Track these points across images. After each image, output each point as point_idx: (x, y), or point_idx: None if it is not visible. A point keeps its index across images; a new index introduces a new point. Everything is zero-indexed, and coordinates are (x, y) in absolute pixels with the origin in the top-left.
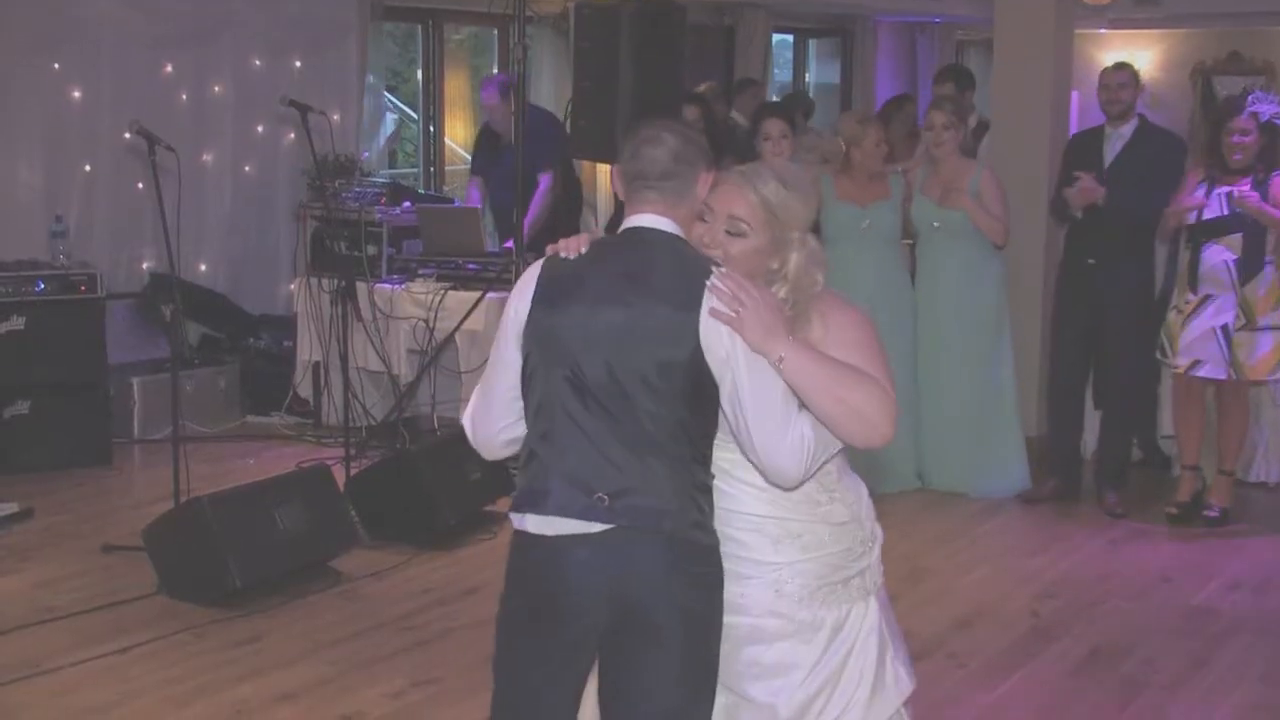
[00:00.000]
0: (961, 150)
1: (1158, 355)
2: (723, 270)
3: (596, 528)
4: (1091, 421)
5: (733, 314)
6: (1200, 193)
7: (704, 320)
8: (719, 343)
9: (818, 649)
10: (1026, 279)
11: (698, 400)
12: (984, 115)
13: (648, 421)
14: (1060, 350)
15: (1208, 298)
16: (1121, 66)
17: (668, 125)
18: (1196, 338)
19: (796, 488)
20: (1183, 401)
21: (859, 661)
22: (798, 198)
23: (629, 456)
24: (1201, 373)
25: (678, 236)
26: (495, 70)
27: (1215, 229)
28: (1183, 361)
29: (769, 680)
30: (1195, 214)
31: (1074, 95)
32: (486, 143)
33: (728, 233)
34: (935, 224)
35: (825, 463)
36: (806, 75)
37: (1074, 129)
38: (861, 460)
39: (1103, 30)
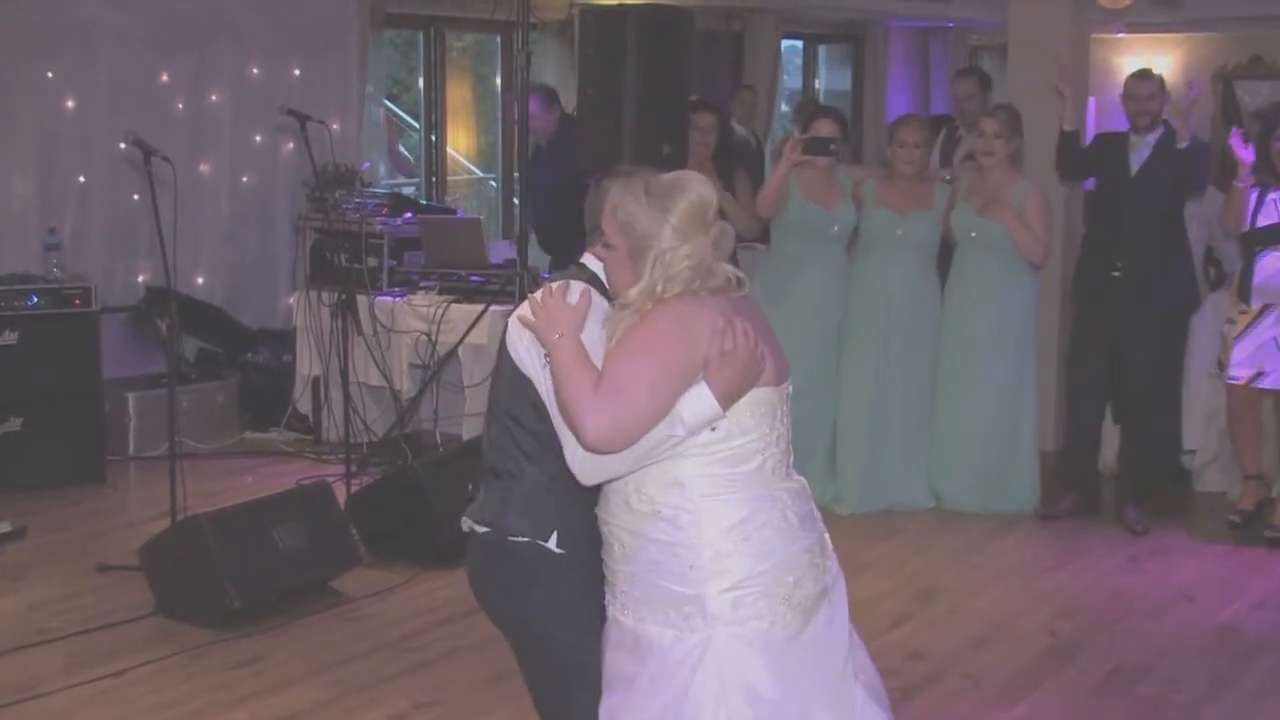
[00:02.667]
0: (1010, 159)
1: (1213, 371)
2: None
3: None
4: (1110, 435)
5: (531, 318)
6: (1253, 199)
7: (509, 335)
8: (522, 351)
9: (645, 670)
10: (1041, 289)
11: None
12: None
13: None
14: (1079, 363)
15: (1267, 307)
16: (1149, 76)
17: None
18: (1257, 348)
19: (599, 486)
20: (1240, 414)
21: (689, 702)
22: (653, 210)
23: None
24: (1265, 384)
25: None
26: (498, 78)
27: (1271, 236)
28: (1243, 373)
29: (606, 694)
30: (1249, 221)
31: (1090, 101)
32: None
33: (602, 245)
34: (973, 234)
35: (655, 463)
36: (816, 81)
37: (1090, 136)
38: (873, 475)
39: (1120, 34)
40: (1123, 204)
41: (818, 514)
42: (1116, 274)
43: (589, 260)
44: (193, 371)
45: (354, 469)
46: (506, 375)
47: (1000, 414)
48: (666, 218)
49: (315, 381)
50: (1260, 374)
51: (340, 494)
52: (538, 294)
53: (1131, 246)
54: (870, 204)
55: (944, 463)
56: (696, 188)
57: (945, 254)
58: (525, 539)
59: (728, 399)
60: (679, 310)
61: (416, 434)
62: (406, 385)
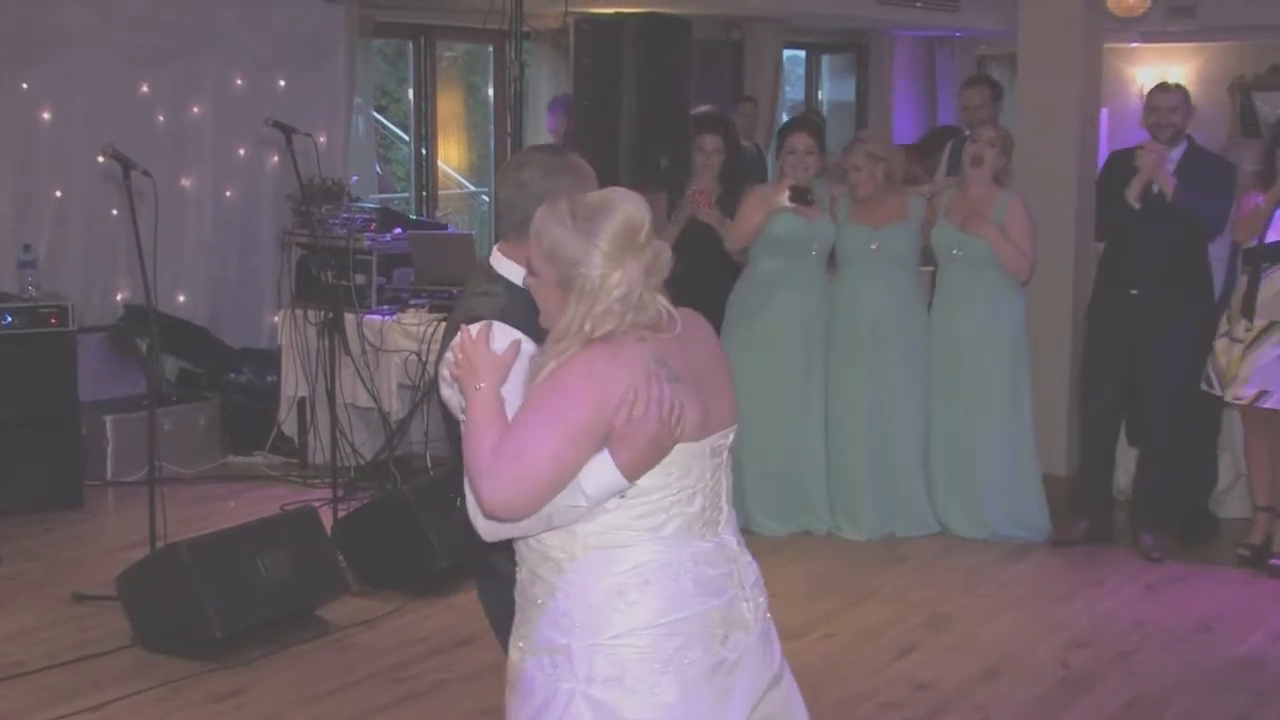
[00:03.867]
0: (996, 177)
1: (1203, 387)
2: (470, 328)
3: None
4: (1125, 459)
5: (457, 370)
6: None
7: (440, 374)
8: (448, 392)
9: (520, 710)
10: (1053, 308)
11: None
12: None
13: None
14: (1093, 385)
15: (1273, 324)
16: (1172, 88)
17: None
18: (1262, 366)
19: (496, 539)
20: (1252, 435)
21: None
22: (579, 235)
23: None
24: (1270, 404)
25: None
26: (491, 89)
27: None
28: (1248, 392)
29: None
30: (1256, 238)
31: (1103, 113)
32: None
33: (529, 272)
34: (955, 251)
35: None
36: (819, 93)
37: (1103, 149)
38: (880, 500)
39: (1134, 44)
40: (1141, 222)
41: (741, 578)
42: (1135, 293)
43: (499, 262)
44: (174, 393)
45: (341, 493)
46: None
47: (999, 435)
48: (595, 242)
49: (301, 403)
50: (1264, 393)
51: (327, 519)
52: (457, 339)
53: (1150, 266)
54: (844, 221)
55: (946, 487)
56: (625, 206)
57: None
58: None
59: (632, 471)
60: (594, 365)
61: (406, 457)
62: (396, 406)
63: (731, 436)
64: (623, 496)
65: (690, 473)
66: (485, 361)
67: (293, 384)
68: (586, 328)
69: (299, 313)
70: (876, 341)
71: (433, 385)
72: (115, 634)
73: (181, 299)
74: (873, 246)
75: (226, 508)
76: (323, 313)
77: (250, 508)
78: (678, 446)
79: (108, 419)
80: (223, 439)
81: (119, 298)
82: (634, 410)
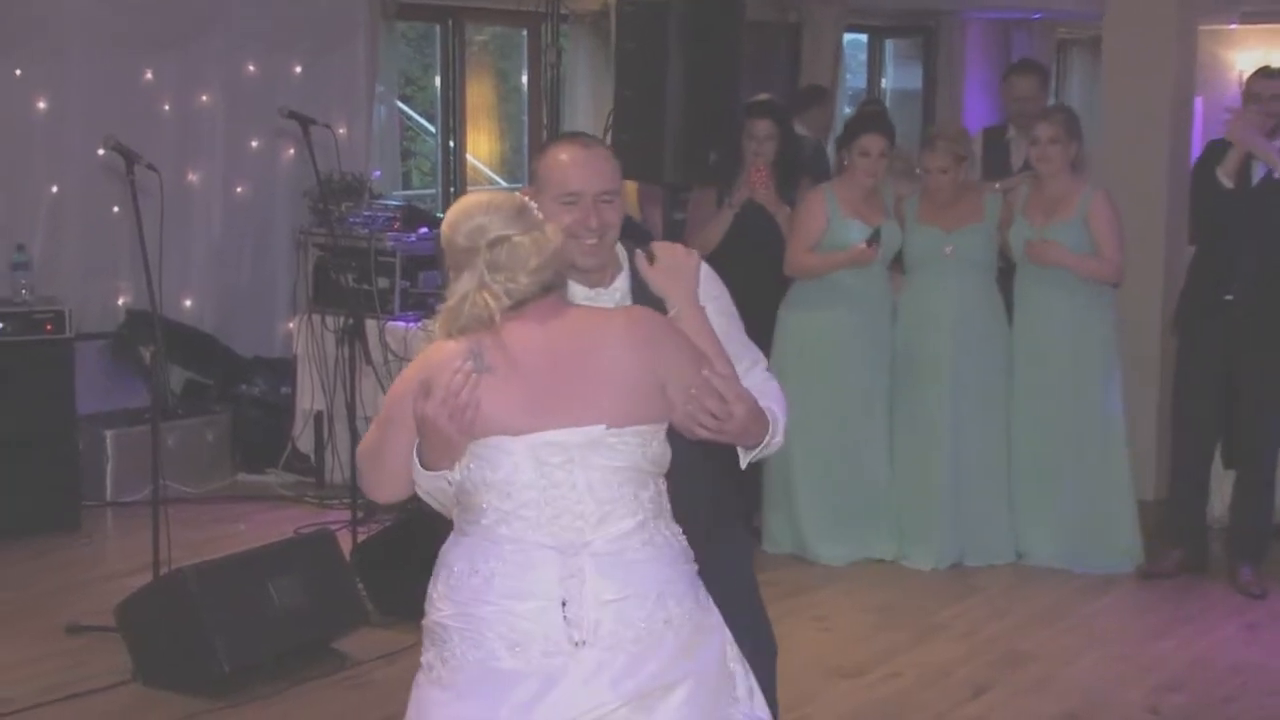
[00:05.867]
0: (1070, 165)
1: None
2: None
3: None
4: (1221, 483)
5: None
6: None
7: None
8: None
9: None
10: (1141, 315)
11: None
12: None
13: None
14: (1186, 400)
15: None
16: (1276, 73)
17: None
18: None
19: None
20: None
21: None
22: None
23: None
24: None
25: None
26: (524, 77)
27: None
28: None
29: None
30: None
31: (1197, 102)
32: None
33: None
34: None
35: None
36: (883, 80)
37: (1197, 141)
38: (953, 525)
39: (1233, 25)
40: (1239, 219)
41: (579, 593)
42: (1229, 299)
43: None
44: (179, 406)
45: (360, 515)
46: None
47: (1088, 456)
48: (445, 256)
49: (318, 417)
50: None
51: (345, 544)
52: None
53: (1248, 268)
54: (912, 221)
55: (1026, 513)
56: (460, 218)
57: (1007, 273)
58: None
59: (427, 459)
60: (412, 365)
61: None
62: None
63: (585, 435)
64: (450, 484)
65: (502, 469)
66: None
67: (309, 396)
68: (432, 330)
69: (316, 319)
70: (954, 353)
71: None
72: (113, 668)
73: (188, 304)
74: (946, 250)
75: (236, 531)
76: (342, 319)
77: (262, 531)
78: (490, 443)
79: (107, 434)
80: (232, 456)
81: (120, 302)
82: (417, 403)
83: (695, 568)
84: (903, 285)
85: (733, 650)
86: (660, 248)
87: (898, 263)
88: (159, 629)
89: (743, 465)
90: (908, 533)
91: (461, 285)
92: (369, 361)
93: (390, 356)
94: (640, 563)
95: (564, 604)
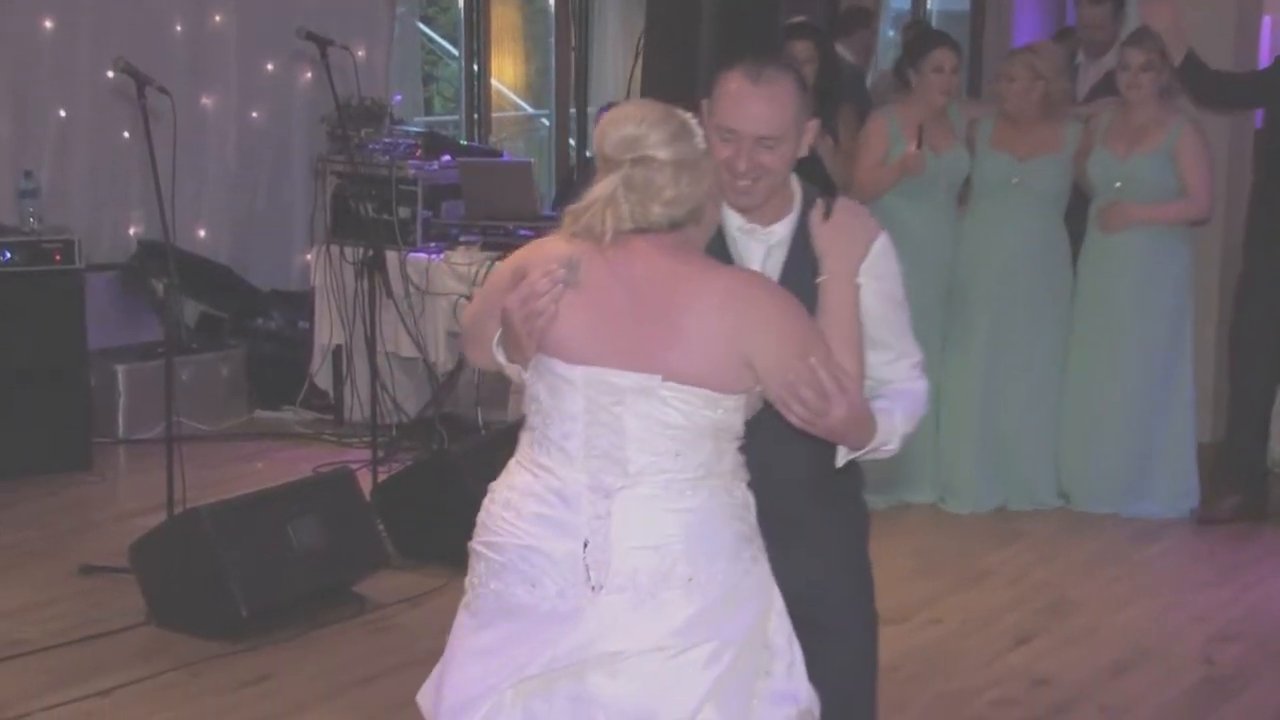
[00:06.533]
0: (1160, 93)
1: None
2: None
3: None
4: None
5: None
6: None
7: None
8: None
9: None
10: (1200, 252)
11: None
12: None
13: None
14: (1246, 336)
15: None
16: None
17: None
18: None
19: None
20: None
21: None
22: None
23: None
24: None
25: None
26: None
27: None
28: None
29: None
30: None
31: (1265, 21)
32: None
33: None
34: (1117, 184)
35: None
36: (928, 2)
37: (1264, 62)
38: (988, 467)
39: None
40: None
41: (591, 542)
42: None
43: None
44: (193, 340)
45: (381, 454)
46: None
47: (1150, 400)
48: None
49: (336, 352)
50: None
51: (365, 484)
52: None
53: None
54: (984, 146)
55: (1077, 456)
56: (622, 118)
57: (1080, 205)
58: None
59: (507, 350)
60: (539, 242)
61: (454, 414)
62: (443, 357)
63: (637, 381)
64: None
65: (557, 395)
66: None
67: (327, 331)
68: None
69: (334, 250)
70: (1007, 290)
71: None
72: (127, 610)
73: (202, 234)
74: (1014, 181)
75: (252, 470)
76: (361, 250)
77: (279, 469)
78: (550, 363)
79: (119, 369)
80: (249, 392)
81: (132, 232)
82: (511, 296)
83: (748, 530)
84: (964, 212)
85: (778, 623)
86: (843, 207)
87: (962, 192)
88: (174, 570)
89: (837, 463)
90: (948, 477)
91: (596, 190)
92: (389, 295)
93: (411, 289)
94: (673, 516)
95: (586, 545)
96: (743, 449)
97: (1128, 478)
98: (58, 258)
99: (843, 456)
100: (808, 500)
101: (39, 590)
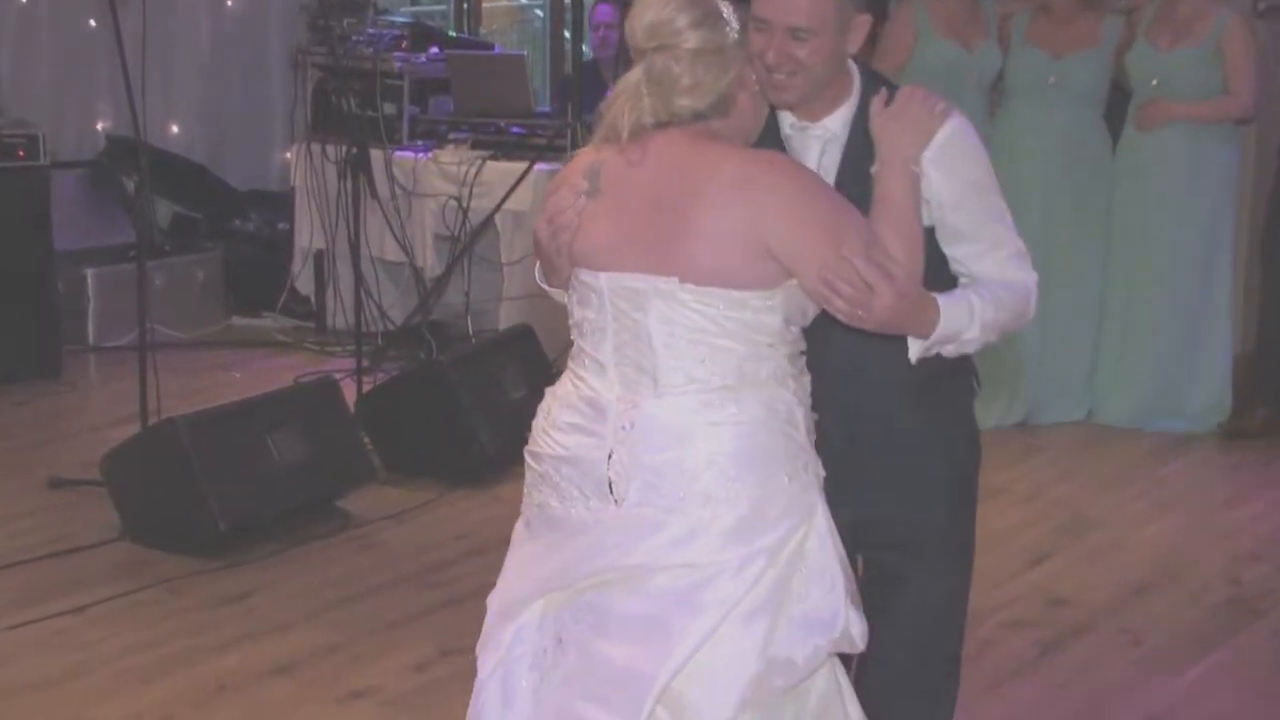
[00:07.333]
0: None
1: None
2: None
3: None
4: None
5: None
6: None
7: None
8: None
9: None
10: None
11: None
12: None
13: None
14: (1275, 244)
15: None
16: None
17: None
18: None
19: None
20: None
21: None
22: None
23: None
24: None
25: None
26: None
27: None
28: None
29: None
30: None
31: None
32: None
33: None
34: (1154, 82)
35: None
36: None
37: None
38: (1027, 378)
39: None
40: None
41: (610, 453)
42: None
43: None
44: (167, 242)
45: (366, 364)
46: None
47: (1187, 307)
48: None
49: (318, 256)
50: None
51: (349, 394)
52: None
53: None
54: (1018, 42)
55: (1108, 366)
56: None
57: (1119, 101)
58: None
59: (546, 275)
60: (576, 154)
61: (443, 322)
62: (431, 261)
63: (655, 285)
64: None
65: (585, 303)
66: None
67: (308, 233)
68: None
69: (316, 148)
70: (1042, 192)
71: (475, 236)
72: (100, 525)
73: (175, 130)
74: (1050, 79)
75: (230, 379)
76: (344, 149)
77: (259, 379)
78: (579, 274)
79: (89, 272)
80: (225, 298)
81: (100, 127)
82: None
83: (789, 446)
84: (996, 112)
85: (820, 544)
86: (906, 94)
87: (995, 90)
88: (148, 484)
89: (911, 358)
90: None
91: (621, 83)
92: (374, 195)
93: (397, 190)
94: (700, 430)
95: (611, 457)
96: (802, 353)
97: (1159, 389)
98: (21, 154)
99: (915, 350)
100: (902, 408)
101: (6, 504)
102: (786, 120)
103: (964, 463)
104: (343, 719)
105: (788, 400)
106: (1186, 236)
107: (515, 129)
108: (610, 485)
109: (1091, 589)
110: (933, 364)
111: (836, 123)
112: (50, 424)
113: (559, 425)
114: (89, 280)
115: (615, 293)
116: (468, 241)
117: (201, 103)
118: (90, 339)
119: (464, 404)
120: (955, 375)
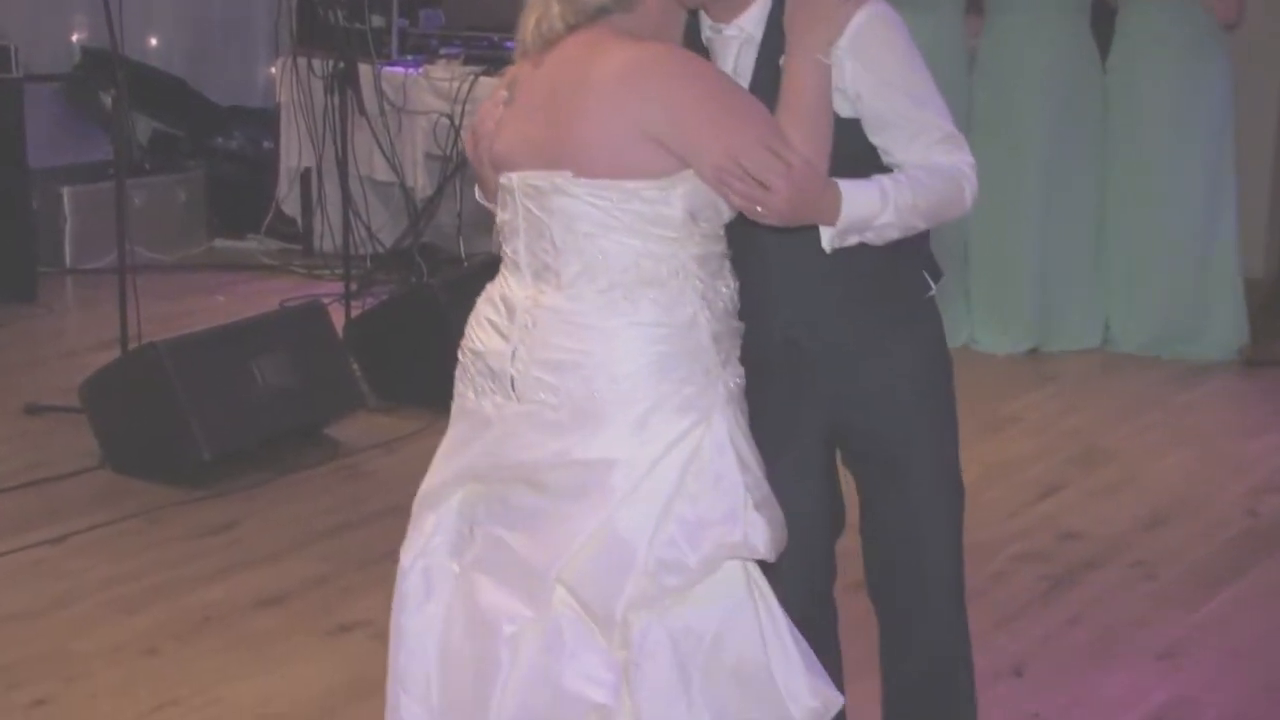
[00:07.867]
0: None
1: None
2: None
3: None
4: None
5: None
6: None
7: None
8: None
9: None
10: (1246, 64)
11: None
12: None
13: None
14: None
15: None
16: None
17: None
18: None
19: None
20: None
21: None
22: None
23: None
24: None
25: None
26: None
27: None
28: None
29: None
30: None
31: None
32: None
33: None
34: None
35: None
36: None
37: None
38: (1016, 305)
39: None
40: None
41: (515, 347)
42: None
43: None
44: (146, 160)
45: (355, 287)
46: None
47: (1191, 228)
48: None
49: (305, 175)
50: None
51: (337, 319)
52: None
53: None
54: None
55: (1116, 292)
56: None
57: (1106, 15)
58: None
59: (484, 190)
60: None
61: (434, 244)
62: (422, 181)
63: (549, 180)
64: None
65: (503, 206)
66: None
67: (294, 152)
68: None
69: (302, 63)
70: (1045, 111)
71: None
72: (79, 453)
73: (154, 42)
74: None
75: (214, 303)
76: (331, 63)
77: (243, 303)
78: (502, 176)
79: (65, 191)
80: (208, 218)
81: (74, 39)
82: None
83: (691, 347)
84: (980, 29)
85: (713, 448)
86: None
87: (975, 2)
88: (129, 410)
89: (825, 247)
90: (981, 315)
91: None
92: (363, 112)
93: (387, 106)
94: (591, 330)
95: (514, 354)
96: (722, 255)
97: (1173, 314)
98: None
99: (827, 239)
100: (847, 305)
101: None
102: (706, 24)
103: (926, 367)
104: (332, 652)
105: (693, 301)
106: (1184, 154)
107: (509, 44)
108: (512, 381)
109: (1104, 522)
110: (872, 258)
111: (750, 22)
112: (26, 348)
113: (480, 321)
114: (65, 199)
115: (523, 192)
116: (460, 161)
117: (181, 13)
118: (67, 260)
119: (455, 329)
120: (898, 273)
